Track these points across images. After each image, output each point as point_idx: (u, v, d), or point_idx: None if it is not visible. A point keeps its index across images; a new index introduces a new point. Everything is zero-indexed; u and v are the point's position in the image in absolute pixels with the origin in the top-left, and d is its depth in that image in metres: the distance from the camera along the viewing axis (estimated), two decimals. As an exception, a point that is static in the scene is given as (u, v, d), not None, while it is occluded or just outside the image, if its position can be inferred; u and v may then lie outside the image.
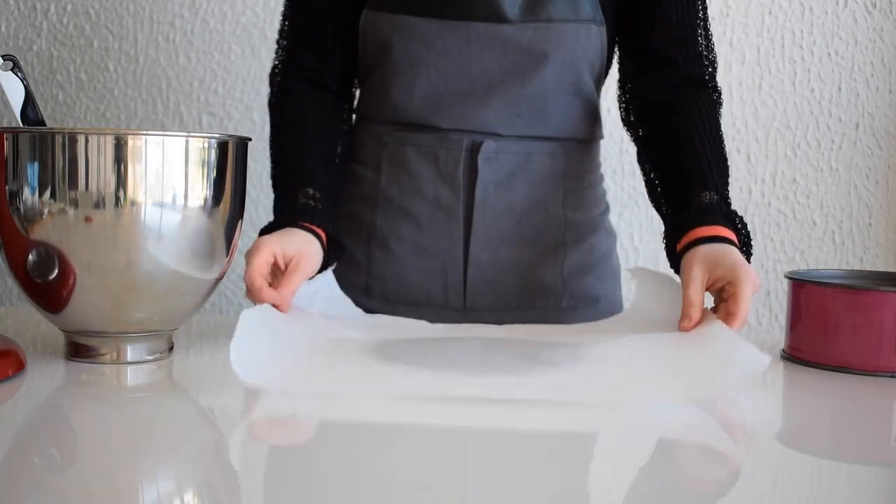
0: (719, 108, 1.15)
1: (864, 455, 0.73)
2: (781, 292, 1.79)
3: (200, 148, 0.88)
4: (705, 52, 1.15)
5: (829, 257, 1.78)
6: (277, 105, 1.19)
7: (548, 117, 1.16)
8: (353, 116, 1.24)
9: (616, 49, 1.20)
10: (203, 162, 0.88)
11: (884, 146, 1.77)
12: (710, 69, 1.16)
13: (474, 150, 1.15)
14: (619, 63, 1.21)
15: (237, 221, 0.94)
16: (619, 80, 1.21)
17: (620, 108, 1.21)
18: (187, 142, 0.87)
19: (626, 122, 1.21)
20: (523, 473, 0.65)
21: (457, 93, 1.14)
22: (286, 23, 1.20)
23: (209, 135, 0.89)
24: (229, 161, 0.91)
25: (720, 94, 1.16)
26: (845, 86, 1.76)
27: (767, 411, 0.86)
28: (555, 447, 0.71)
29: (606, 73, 1.21)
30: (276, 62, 1.21)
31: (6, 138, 0.85)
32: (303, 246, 1.02)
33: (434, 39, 1.13)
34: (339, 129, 1.19)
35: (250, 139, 0.95)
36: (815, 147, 1.77)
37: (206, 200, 0.88)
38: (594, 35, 1.14)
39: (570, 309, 1.19)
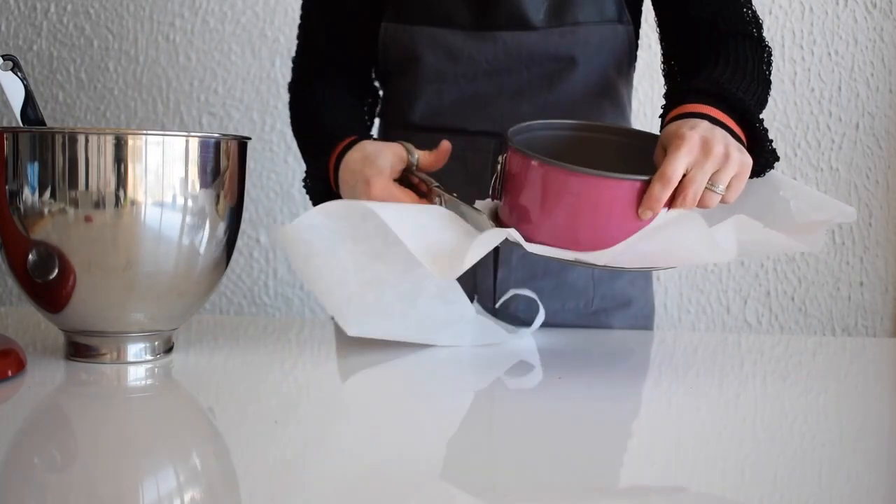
0: (767, 57, 1.06)
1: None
2: (781, 292, 1.79)
3: (200, 148, 0.88)
4: (745, 10, 1.08)
5: (830, 257, 1.78)
6: (312, 99, 1.20)
7: None
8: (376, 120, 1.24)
9: (658, 30, 1.15)
10: (203, 162, 0.88)
11: (884, 146, 1.77)
12: (752, 27, 1.07)
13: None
14: (661, 41, 1.15)
15: (237, 221, 0.94)
16: (663, 56, 1.15)
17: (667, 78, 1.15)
18: (187, 142, 0.87)
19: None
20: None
21: (485, 97, 1.13)
22: (307, 18, 1.21)
23: (209, 135, 0.89)
24: (229, 161, 0.91)
25: (769, 49, 1.07)
26: (845, 86, 1.76)
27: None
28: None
29: (632, 72, 1.19)
30: (300, 54, 1.22)
31: (6, 138, 0.85)
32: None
33: (460, 50, 1.12)
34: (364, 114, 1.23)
35: (250, 139, 0.95)
36: (815, 147, 1.77)
37: (206, 200, 0.88)
38: (620, 35, 1.12)
39: (601, 311, 1.18)
